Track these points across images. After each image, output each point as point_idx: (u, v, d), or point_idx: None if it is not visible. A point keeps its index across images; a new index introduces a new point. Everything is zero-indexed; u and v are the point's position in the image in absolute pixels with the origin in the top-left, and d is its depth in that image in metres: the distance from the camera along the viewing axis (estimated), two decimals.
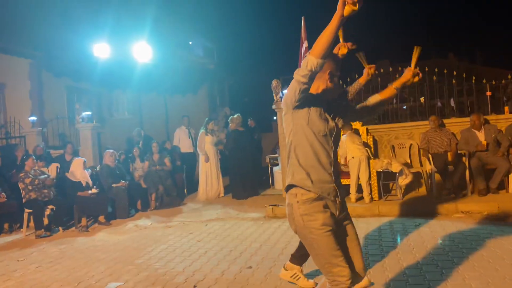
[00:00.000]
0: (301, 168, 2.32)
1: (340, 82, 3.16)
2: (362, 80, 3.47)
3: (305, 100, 2.26)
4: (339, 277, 2.26)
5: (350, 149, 6.86)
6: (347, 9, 1.99)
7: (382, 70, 8.84)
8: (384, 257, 4.32)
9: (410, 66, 2.61)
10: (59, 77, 12.30)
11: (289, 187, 2.35)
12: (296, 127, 2.32)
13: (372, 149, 7.59)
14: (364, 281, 3.54)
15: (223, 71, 15.50)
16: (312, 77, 2.15)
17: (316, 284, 3.58)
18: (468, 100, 8.74)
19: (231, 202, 8.24)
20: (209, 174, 8.71)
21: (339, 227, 2.40)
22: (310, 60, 2.10)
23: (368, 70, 3.34)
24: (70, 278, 4.41)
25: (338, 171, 2.43)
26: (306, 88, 2.19)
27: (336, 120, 2.44)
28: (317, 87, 2.39)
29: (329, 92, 2.42)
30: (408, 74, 2.56)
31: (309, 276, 3.75)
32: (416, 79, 2.57)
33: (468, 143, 6.94)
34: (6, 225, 7.04)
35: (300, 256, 3.65)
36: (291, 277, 3.69)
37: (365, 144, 7.32)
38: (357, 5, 1.96)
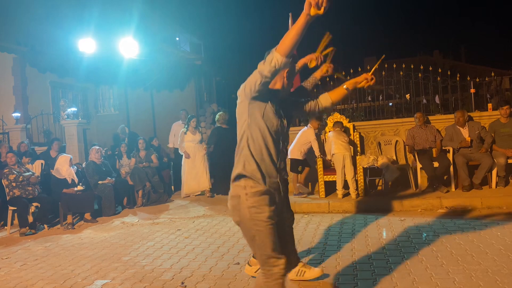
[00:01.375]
0: (253, 159, 2.37)
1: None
2: (317, 75, 3.53)
3: (263, 93, 2.32)
4: (275, 267, 2.37)
5: (335, 144, 6.92)
6: (312, 11, 2.00)
7: (368, 67, 8.92)
8: (370, 252, 4.38)
9: (370, 70, 2.73)
10: (43, 73, 12.11)
11: (239, 177, 2.38)
12: (250, 118, 2.36)
13: (359, 146, 7.66)
14: (317, 271, 3.66)
15: (211, 67, 15.44)
16: (275, 73, 2.19)
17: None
18: (453, 97, 8.87)
19: (218, 198, 8.23)
20: (191, 171, 8.57)
21: (280, 220, 2.50)
22: (275, 57, 2.13)
23: (326, 67, 3.42)
24: (56, 276, 4.37)
25: (284, 167, 2.54)
26: (267, 82, 2.25)
27: (285, 118, 2.53)
28: (274, 83, 2.48)
29: (284, 90, 2.53)
30: (362, 78, 2.66)
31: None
32: (372, 83, 2.67)
33: (453, 140, 7.05)
34: None
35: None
36: (255, 272, 3.73)
37: (351, 142, 7.38)
38: (322, 9, 1.98)
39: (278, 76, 2.44)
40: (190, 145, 8.59)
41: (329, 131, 7.30)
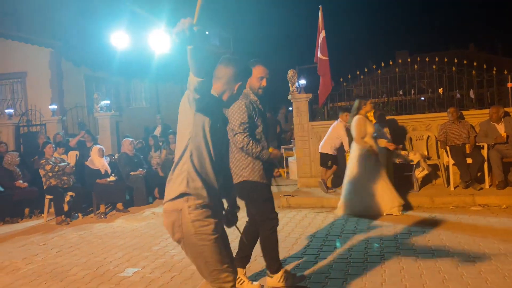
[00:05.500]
0: (197, 175, 2.16)
1: None
2: None
3: (209, 104, 2.16)
4: (226, 283, 2.23)
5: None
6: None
7: (400, 61, 8.74)
8: (399, 249, 4.32)
9: None
10: (78, 66, 12.50)
11: (182, 195, 2.16)
12: (196, 130, 2.16)
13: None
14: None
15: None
16: (201, 93, 2.04)
17: (262, 286, 3.52)
18: (488, 91, 8.57)
19: None
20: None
21: (223, 233, 2.37)
22: (191, 79, 2.01)
23: None
24: (90, 263, 4.53)
25: (221, 180, 2.35)
26: (199, 99, 2.08)
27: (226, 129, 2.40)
28: (222, 91, 2.35)
29: (231, 101, 2.42)
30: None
31: (251, 278, 3.73)
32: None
33: (487, 136, 6.83)
34: (26, 210, 7.26)
35: (242, 258, 3.55)
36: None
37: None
38: None
39: (227, 85, 2.33)
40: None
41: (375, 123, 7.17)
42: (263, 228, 3.49)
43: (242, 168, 3.38)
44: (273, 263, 3.52)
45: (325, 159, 7.29)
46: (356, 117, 5.81)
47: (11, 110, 10.47)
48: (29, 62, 11.81)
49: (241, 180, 3.38)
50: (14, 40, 11.80)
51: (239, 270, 3.47)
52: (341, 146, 7.22)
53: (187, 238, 2.18)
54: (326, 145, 7.27)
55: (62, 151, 7.92)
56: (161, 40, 11.15)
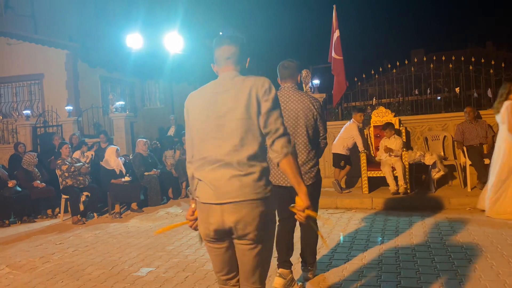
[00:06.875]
0: (271, 166, 2.13)
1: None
2: None
3: None
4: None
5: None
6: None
7: (415, 60, 8.63)
8: (415, 251, 4.26)
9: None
10: (94, 68, 12.66)
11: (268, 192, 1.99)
12: None
13: (405, 141, 7.43)
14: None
15: (253, 61, 15.54)
16: None
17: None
18: None
19: None
20: None
21: None
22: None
23: None
24: (105, 262, 4.57)
25: None
26: None
27: None
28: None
29: None
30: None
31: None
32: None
33: None
34: (48, 211, 7.38)
35: (288, 260, 3.52)
36: (287, 284, 3.45)
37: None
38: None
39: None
40: None
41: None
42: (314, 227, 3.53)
43: (316, 166, 3.42)
44: (314, 258, 3.68)
45: (337, 159, 7.24)
46: (506, 103, 5.25)
47: (28, 111, 10.66)
48: (46, 64, 12.01)
49: (316, 179, 3.40)
50: (32, 42, 12.01)
51: (288, 271, 3.48)
52: (354, 146, 7.16)
53: (267, 237, 1.94)
54: (338, 145, 7.22)
55: (86, 148, 8.10)
56: (175, 41, 11.24)
